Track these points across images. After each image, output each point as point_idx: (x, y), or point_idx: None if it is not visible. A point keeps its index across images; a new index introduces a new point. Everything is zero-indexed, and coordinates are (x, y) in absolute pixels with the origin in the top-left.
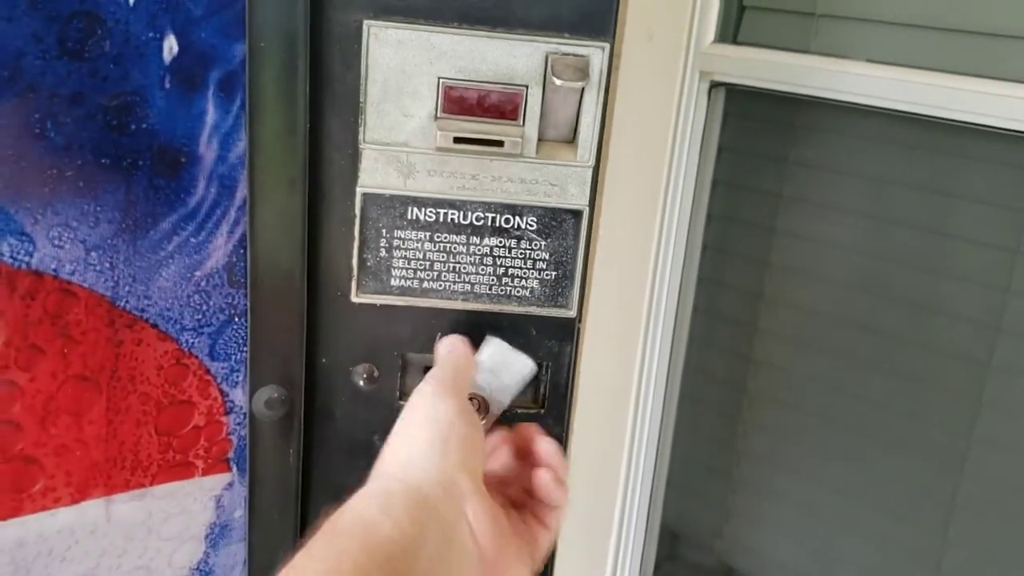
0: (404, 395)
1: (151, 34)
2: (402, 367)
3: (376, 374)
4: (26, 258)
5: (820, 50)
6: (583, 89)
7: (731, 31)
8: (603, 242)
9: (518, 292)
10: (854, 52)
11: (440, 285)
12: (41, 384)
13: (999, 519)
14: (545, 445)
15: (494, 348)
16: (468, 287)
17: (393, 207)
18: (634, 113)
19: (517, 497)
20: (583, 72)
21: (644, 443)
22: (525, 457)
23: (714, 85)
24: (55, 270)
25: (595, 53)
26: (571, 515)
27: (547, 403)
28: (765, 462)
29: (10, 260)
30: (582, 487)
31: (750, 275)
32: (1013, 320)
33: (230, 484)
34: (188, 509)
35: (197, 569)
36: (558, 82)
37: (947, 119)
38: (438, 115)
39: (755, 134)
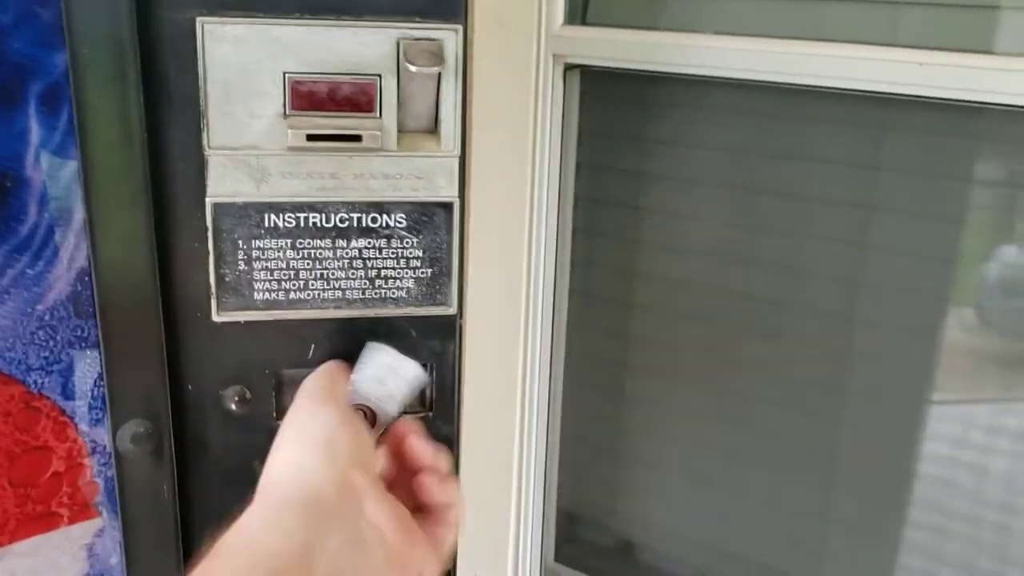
0: (280, 414)
1: None
2: (276, 385)
3: (248, 396)
4: None
5: (668, 27)
6: (440, 75)
7: (579, 13)
8: (474, 234)
9: (393, 293)
10: (700, 27)
11: (308, 295)
12: None
13: (875, 466)
14: (419, 447)
15: (376, 355)
16: (339, 294)
17: (248, 216)
18: (493, 99)
19: (406, 499)
20: (438, 57)
21: (534, 430)
22: (402, 457)
23: (568, 67)
24: None
25: (448, 37)
26: (469, 508)
27: (435, 405)
28: (652, 435)
29: None
30: (478, 480)
31: (621, 254)
32: (871, 274)
33: (101, 530)
34: (57, 563)
35: None
36: (413, 68)
37: (791, 84)
38: (287, 113)
39: (612, 114)
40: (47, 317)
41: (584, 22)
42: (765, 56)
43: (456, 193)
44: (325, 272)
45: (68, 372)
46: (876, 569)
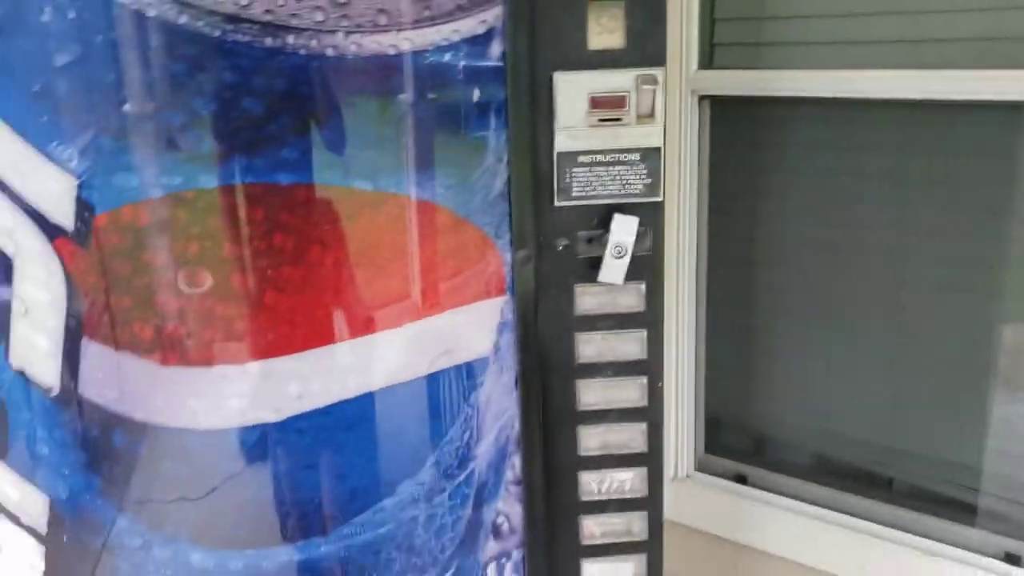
0: None
1: None
2: None
3: None
4: None
5: (767, 67)
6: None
7: (708, 61)
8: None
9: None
10: (781, 65)
11: None
12: None
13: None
14: None
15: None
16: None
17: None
18: None
19: None
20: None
21: (684, 349)
22: None
23: (701, 97)
24: None
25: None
26: None
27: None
28: (777, 352)
29: None
30: None
31: (749, 226)
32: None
33: None
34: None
35: None
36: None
37: (857, 99)
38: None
39: (731, 128)
40: None
41: (711, 67)
42: (839, 80)
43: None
44: None
45: None
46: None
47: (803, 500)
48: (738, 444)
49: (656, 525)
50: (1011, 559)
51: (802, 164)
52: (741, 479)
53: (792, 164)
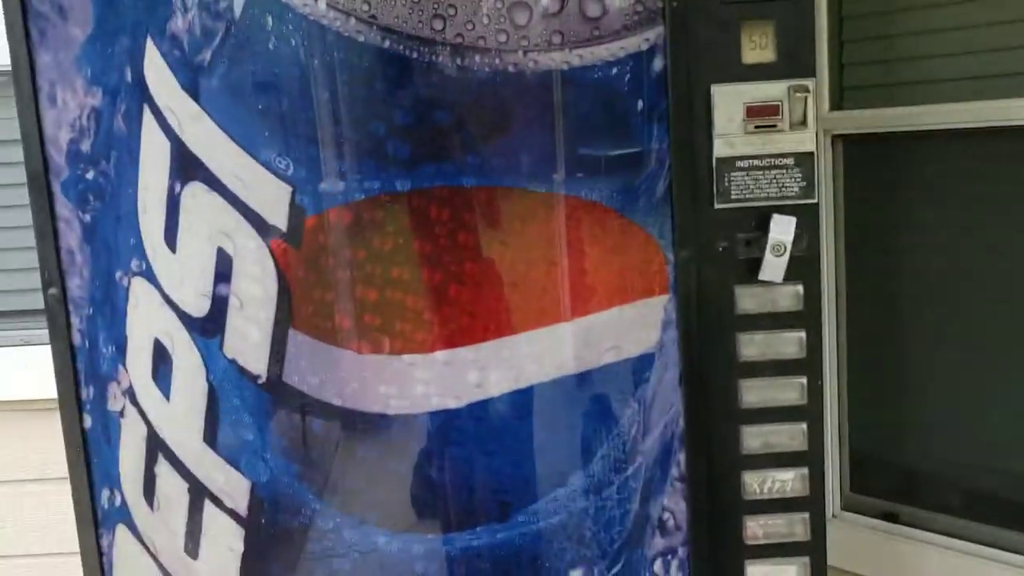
0: None
1: None
2: None
3: None
4: None
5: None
6: None
7: (838, 103)
8: None
9: None
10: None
11: None
12: None
13: None
14: None
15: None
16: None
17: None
18: None
19: None
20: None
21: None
22: None
23: (834, 137)
24: None
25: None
26: None
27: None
28: (918, 390)
29: None
30: None
31: (888, 266)
32: None
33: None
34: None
35: None
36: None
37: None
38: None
39: (860, 161)
40: None
41: (841, 108)
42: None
43: None
44: None
45: None
46: None
47: (955, 537)
48: (886, 482)
49: (819, 526)
50: None
51: (936, 195)
52: (890, 517)
53: (926, 196)
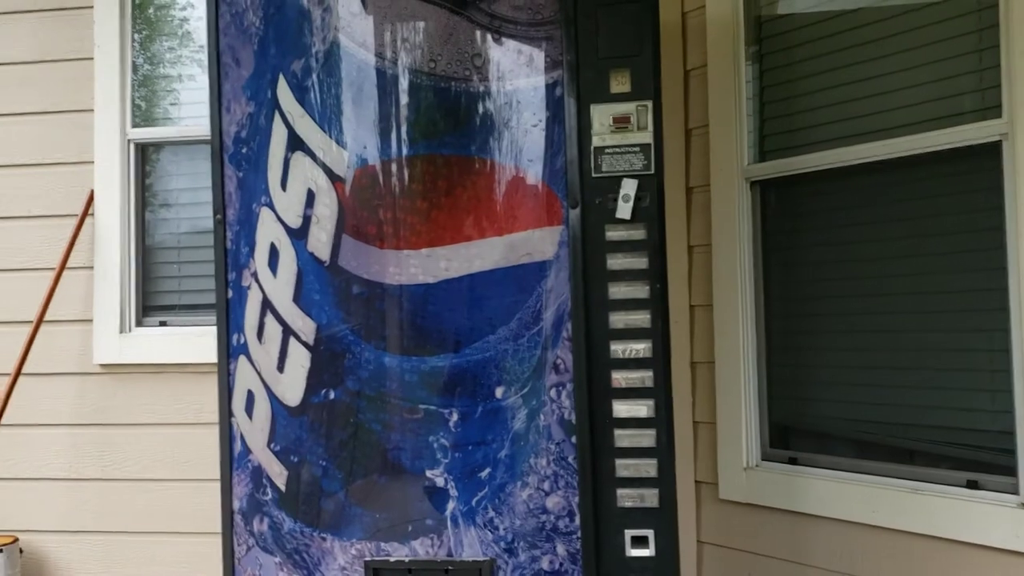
0: None
1: None
2: None
3: None
4: None
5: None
6: None
7: (757, 157)
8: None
9: None
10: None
11: None
12: None
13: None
14: None
15: None
16: None
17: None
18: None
19: None
20: None
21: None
22: None
23: (752, 183)
24: None
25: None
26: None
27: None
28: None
29: None
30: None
31: (802, 276)
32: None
33: None
34: None
35: None
36: None
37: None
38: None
39: (775, 204)
40: None
41: (762, 161)
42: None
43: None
44: None
45: None
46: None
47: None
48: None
49: (661, 378)
50: (971, 484)
51: (831, 222)
52: (793, 461)
53: (824, 223)
